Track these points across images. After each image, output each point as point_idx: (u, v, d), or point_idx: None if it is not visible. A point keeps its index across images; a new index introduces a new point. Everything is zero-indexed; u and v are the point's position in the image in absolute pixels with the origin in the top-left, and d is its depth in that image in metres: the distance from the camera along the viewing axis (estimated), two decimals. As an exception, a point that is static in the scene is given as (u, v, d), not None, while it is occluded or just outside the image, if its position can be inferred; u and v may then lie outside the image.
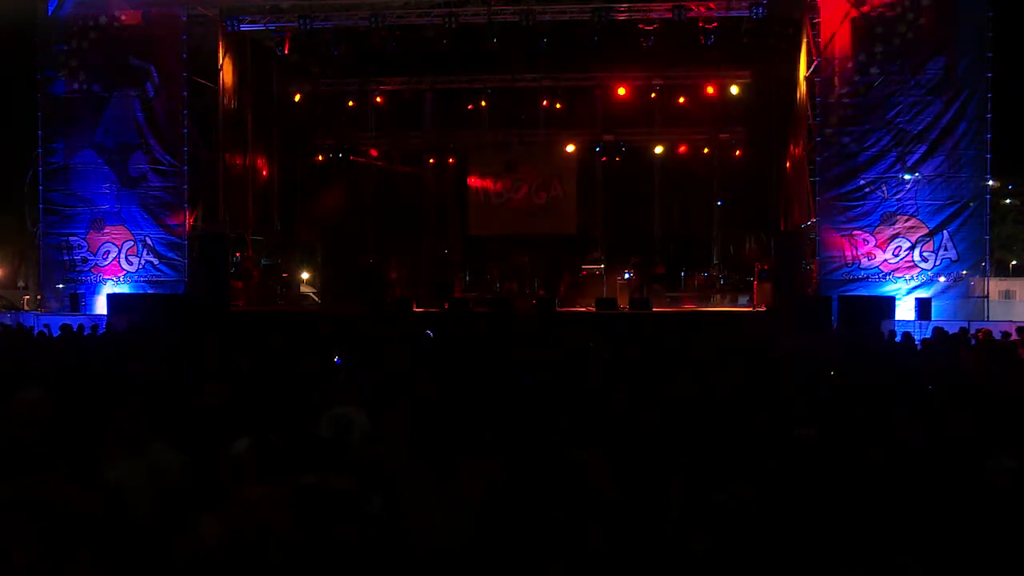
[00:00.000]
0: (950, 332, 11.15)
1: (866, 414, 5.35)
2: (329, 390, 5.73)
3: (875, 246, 15.03)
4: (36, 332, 12.05)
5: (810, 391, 6.24)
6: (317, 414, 4.93)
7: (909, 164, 14.88)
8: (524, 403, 5.62)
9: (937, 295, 14.71)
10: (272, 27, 17.32)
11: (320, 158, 21.92)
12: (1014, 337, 10.76)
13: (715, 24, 16.32)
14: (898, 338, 11.54)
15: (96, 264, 16.72)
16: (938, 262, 14.86)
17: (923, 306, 14.31)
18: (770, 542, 2.90)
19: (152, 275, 16.61)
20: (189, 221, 16.69)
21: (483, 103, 20.63)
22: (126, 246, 16.67)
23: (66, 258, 16.76)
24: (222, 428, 4.44)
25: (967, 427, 4.76)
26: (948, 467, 3.97)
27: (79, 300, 16.50)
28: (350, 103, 21.00)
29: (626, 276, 18.10)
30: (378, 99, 20.92)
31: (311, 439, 4.37)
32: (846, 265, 15.10)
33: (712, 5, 16.21)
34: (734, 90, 19.31)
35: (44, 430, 4.16)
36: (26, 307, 18.11)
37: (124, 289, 16.46)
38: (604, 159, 21.45)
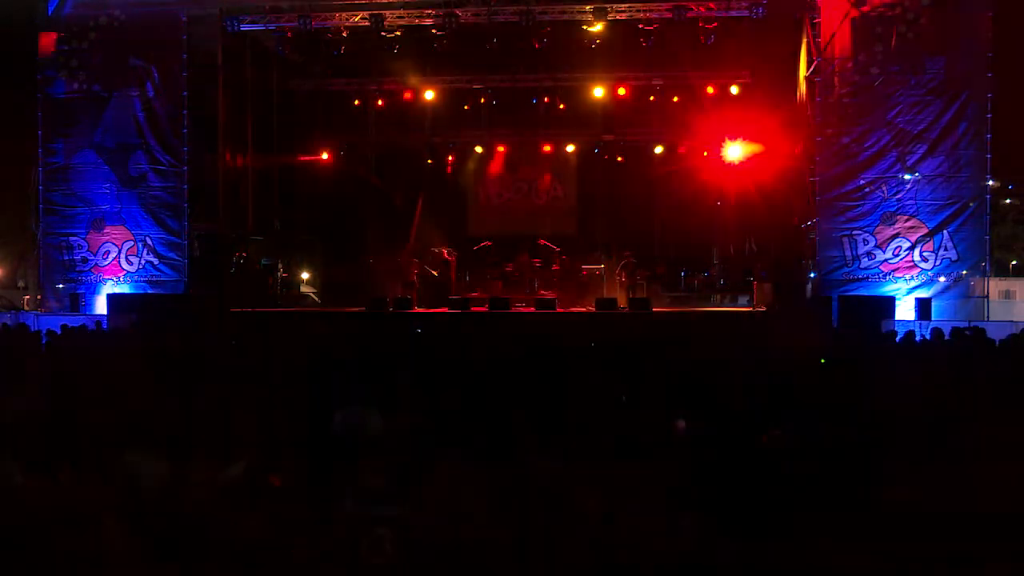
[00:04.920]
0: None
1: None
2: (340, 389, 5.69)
3: (875, 246, 15.03)
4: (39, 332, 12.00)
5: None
6: (331, 413, 4.90)
7: (909, 164, 14.88)
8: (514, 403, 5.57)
9: (937, 295, 14.70)
10: (272, 27, 17.31)
11: (320, 158, 21.89)
12: None
13: (715, 24, 16.32)
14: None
15: (96, 264, 16.73)
16: (938, 262, 14.86)
17: (923, 306, 14.31)
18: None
19: (152, 275, 16.63)
20: (189, 221, 16.71)
21: (483, 103, 20.60)
22: (126, 246, 16.68)
23: (66, 258, 16.78)
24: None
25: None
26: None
27: (79, 300, 16.51)
28: (350, 103, 20.96)
29: (621, 277, 18.01)
30: (378, 99, 20.90)
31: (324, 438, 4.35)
32: (846, 265, 15.10)
33: (712, 5, 16.21)
34: (734, 90, 19.29)
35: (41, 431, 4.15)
36: (26, 307, 18.09)
37: (124, 289, 16.47)
38: (604, 159, 21.42)
